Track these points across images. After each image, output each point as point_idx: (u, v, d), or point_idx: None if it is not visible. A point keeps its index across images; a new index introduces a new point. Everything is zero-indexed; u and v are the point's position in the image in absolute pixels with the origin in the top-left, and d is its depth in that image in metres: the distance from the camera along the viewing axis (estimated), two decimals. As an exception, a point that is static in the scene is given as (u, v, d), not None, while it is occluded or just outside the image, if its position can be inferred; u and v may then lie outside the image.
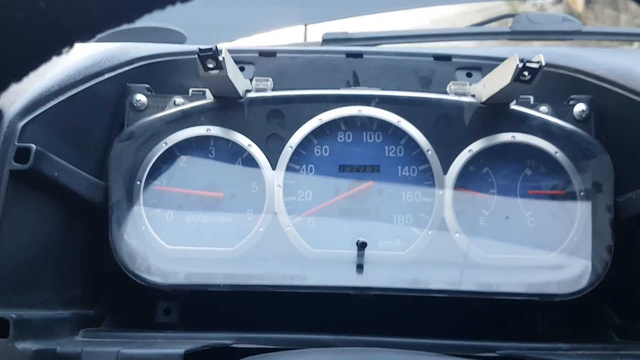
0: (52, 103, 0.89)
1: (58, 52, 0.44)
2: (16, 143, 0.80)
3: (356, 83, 1.20)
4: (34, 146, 0.80)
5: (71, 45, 0.45)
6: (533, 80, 0.92)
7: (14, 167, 0.79)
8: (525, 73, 0.91)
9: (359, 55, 1.20)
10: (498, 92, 0.97)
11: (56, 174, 0.85)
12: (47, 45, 0.43)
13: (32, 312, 0.80)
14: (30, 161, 0.79)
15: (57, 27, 0.42)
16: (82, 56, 1.02)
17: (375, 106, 1.06)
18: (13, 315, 0.75)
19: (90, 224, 1.00)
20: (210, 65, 0.92)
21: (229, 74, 0.94)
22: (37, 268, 0.86)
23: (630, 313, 1.03)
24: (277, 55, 1.20)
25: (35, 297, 0.84)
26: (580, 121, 1.06)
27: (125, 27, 0.46)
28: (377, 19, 2.07)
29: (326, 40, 1.55)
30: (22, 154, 0.79)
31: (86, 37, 0.44)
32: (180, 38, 1.61)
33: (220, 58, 0.91)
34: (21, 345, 0.74)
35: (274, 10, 2.02)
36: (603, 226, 1.00)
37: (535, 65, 0.90)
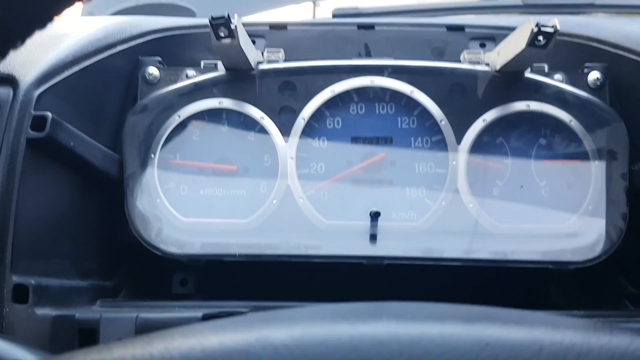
0: (67, 73, 0.89)
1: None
2: (32, 112, 0.80)
3: (368, 55, 1.19)
4: (50, 114, 0.80)
5: None
6: (548, 45, 0.91)
7: (31, 136, 0.79)
8: (540, 38, 0.90)
9: (370, 26, 1.19)
10: (512, 58, 0.97)
11: (72, 143, 0.86)
12: None
13: (51, 280, 0.81)
14: (47, 129, 0.80)
15: None
16: (94, 28, 1.02)
17: (388, 76, 1.06)
18: (32, 282, 0.76)
19: (106, 196, 1.01)
20: (222, 34, 0.91)
21: (241, 43, 0.94)
22: (54, 237, 0.87)
23: (645, 281, 1.03)
24: (288, 28, 1.20)
25: (53, 265, 0.85)
26: (594, 89, 1.05)
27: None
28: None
29: (336, 15, 1.54)
30: (38, 122, 0.80)
31: None
32: (189, 14, 1.60)
33: (232, 26, 0.90)
34: (40, 311, 0.75)
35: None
36: (618, 194, 0.99)
37: (550, 30, 0.89)
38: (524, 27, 0.92)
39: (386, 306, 0.41)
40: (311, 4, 2.02)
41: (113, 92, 1.06)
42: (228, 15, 0.90)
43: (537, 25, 0.89)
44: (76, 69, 0.91)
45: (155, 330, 0.74)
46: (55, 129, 0.81)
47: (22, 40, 0.45)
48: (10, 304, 0.74)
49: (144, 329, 0.76)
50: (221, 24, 0.90)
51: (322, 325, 0.36)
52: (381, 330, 0.35)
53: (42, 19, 0.44)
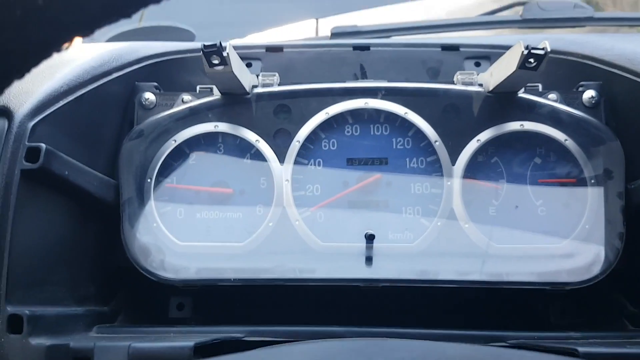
0: (62, 103, 0.90)
1: (58, 48, 0.45)
2: (26, 143, 0.82)
3: (364, 76, 1.20)
4: (43, 145, 0.81)
5: (70, 40, 0.46)
6: (539, 67, 0.91)
7: (25, 167, 0.80)
8: (531, 60, 0.90)
9: (366, 47, 1.20)
10: (505, 80, 0.97)
11: (66, 172, 0.87)
12: (47, 41, 0.44)
13: (46, 309, 0.82)
14: (41, 160, 0.81)
15: (56, 22, 0.43)
16: (90, 56, 1.03)
17: (382, 98, 1.06)
18: (27, 312, 0.76)
19: (103, 221, 1.02)
20: (215, 61, 0.92)
21: (234, 70, 0.95)
22: (50, 265, 0.87)
23: (644, 301, 1.02)
24: (284, 50, 1.21)
25: (49, 293, 0.86)
26: (589, 108, 1.05)
27: (123, 21, 0.47)
28: (390, 12, 2.06)
29: (335, 34, 1.55)
30: (32, 154, 0.81)
31: (85, 32, 0.45)
32: (189, 36, 1.62)
33: (224, 54, 0.91)
34: (35, 341, 0.76)
35: (284, 5, 2.02)
36: (614, 213, 0.98)
37: (541, 52, 0.89)
38: (514, 49, 0.92)
39: (376, 347, 0.42)
40: (313, 21, 2.03)
41: (109, 118, 1.07)
42: (220, 44, 0.91)
43: (527, 47, 0.89)
44: (71, 98, 0.92)
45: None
46: (49, 160, 0.82)
47: (28, 70, 0.46)
48: (5, 334, 0.75)
49: (136, 357, 0.76)
50: (213, 51, 0.91)
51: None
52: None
53: (52, 47, 0.45)
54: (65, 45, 0.45)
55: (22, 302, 0.78)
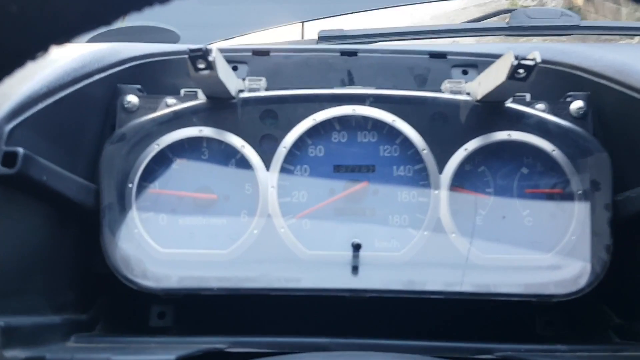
0: (41, 106, 0.87)
1: (33, 57, 0.43)
2: (3, 147, 0.79)
3: (351, 82, 1.18)
4: (21, 150, 0.79)
5: (46, 49, 0.44)
6: (528, 77, 0.90)
7: (1, 172, 0.78)
8: (521, 70, 0.89)
9: (353, 53, 1.19)
10: (493, 89, 0.96)
11: (45, 178, 0.84)
12: (21, 51, 0.42)
13: (22, 319, 0.79)
14: (18, 165, 0.78)
15: (30, 31, 0.41)
16: (71, 57, 1.00)
17: (370, 105, 1.05)
18: (1, 323, 0.73)
19: (82, 227, 0.99)
20: (201, 66, 0.90)
21: (219, 74, 0.93)
22: (27, 273, 0.85)
23: (630, 312, 1.02)
24: (271, 54, 1.19)
25: (26, 302, 0.83)
26: (577, 118, 1.05)
27: (105, 29, 0.44)
28: (375, 16, 2.05)
29: (322, 38, 1.54)
30: (9, 158, 0.78)
31: (61, 40, 0.43)
32: (173, 37, 1.59)
33: (210, 58, 0.89)
34: (10, 354, 0.73)
35: (270, 7, 2.01)
36: (601, 225, 0.98)
37: (531, 63, 0.89)
38: (504, 59, 0.92)
39: None
40: (299, 25, 2.02)
41: (91, 122, 1.04)
42: (206, 48, 0.89)
43: (517, 57, 0.88)
44: (51, 100, 0.90)
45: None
46: (27, 165, 0.80)
47: (0, 80, 0.44)
48: None
49: (116, 371, 0.74)
50: (199, 56, 0.89)
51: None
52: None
53: (27, 57, 0.43)
54: (41, 53, 0.43)
55: None
